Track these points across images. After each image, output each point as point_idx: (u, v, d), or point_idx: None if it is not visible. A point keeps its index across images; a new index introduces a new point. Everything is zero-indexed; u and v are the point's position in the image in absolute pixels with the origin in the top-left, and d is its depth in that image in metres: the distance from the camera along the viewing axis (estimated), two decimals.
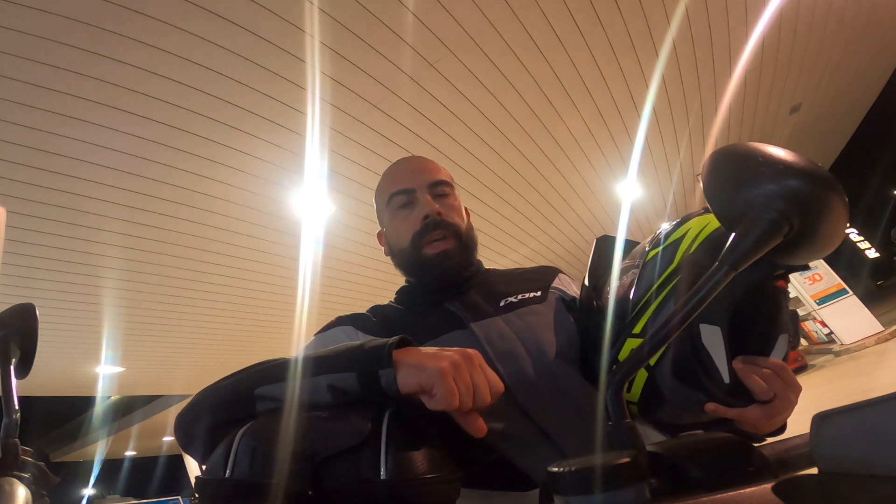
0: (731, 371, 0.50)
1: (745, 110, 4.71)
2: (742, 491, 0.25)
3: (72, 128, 2.44)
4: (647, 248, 0.60)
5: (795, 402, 0.53)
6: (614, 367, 0.60)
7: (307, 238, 3.90)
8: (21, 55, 2.04)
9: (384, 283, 4.94)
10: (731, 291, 0.49)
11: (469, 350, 0.47)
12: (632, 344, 0.57)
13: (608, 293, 0.65)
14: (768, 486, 0.25)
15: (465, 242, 0.79)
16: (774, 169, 0.35)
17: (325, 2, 2.24)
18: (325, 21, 2.32)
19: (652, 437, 0.59)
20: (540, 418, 0.62)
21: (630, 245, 0.69)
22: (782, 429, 0.56)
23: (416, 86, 2.87)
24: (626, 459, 0.29)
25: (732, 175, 0.37)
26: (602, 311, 0.64)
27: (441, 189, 0.81)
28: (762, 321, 0.54)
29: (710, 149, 4.83)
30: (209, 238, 3.61)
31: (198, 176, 3.02)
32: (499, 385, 0.47)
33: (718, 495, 0.25)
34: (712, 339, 0.50)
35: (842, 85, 5.62)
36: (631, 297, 0.58)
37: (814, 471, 0.27)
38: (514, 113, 3.35)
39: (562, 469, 0.30)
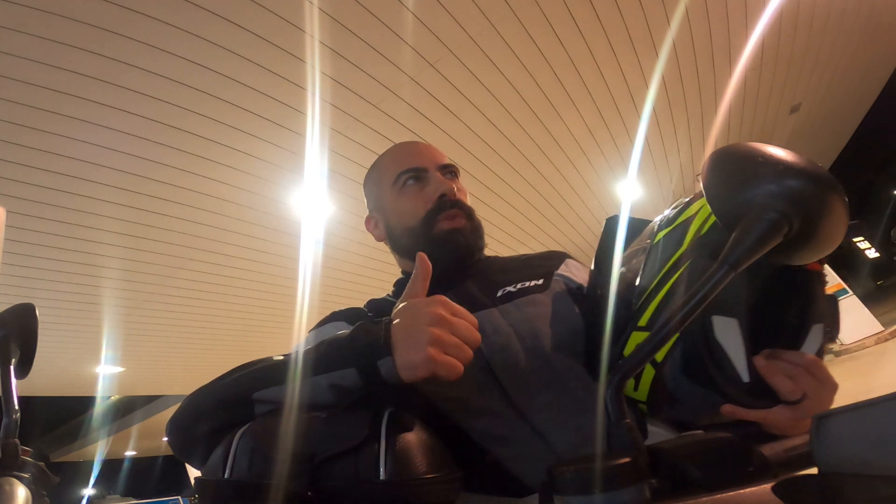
0: (752, 368, 0.44)
1: (745, 110, 4.70)
2: (742, 491, 0.25)
3: (71, 128, 2.44)
4: (655, 229, 0.54)
5: (830, 402, 0.46)
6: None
7: (307, 238, 3.90)
8: (21, 55, 2.04)
9: (384, 283, 4.93)
10: (753, 277, 0.44)
11: (439, 307, 0.48)
12: (637, 338, 0.51)
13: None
14: (768, 486, 0.25)
15: (476, 224, 0.79)
16: (774, 169, 0.34)
17: (325, 2, 2.24)
18: (325, 21, 2.31)
19: (661, 437, 0.56)
20: (536, 419, 0.59)
21: (643, 224, 0.62)
22: None
23: (416, 86, 2.87)
24: (626, 459, 0.29)
25: (732, 175, 0.37)
26: (608, 300, 0.58)
27: (452, 170, 0.81)
28: (793, 309, 0.47)
29: (710, 149, 4.82)
30: (209, 238, 3.60)
31: (197, 176, 3.02)
32: (471, 320, 0.49)
33: (718, 495, 0.25)
34: (728, 332, 0.44)
35: (842, 85, 5.61)
36: (637, 284, 0.53)
37: (814, 471, 0.27)
38: (514, 112, 3.35)
39: (561, 469, 0.30)
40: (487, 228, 0.82)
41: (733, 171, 0.37)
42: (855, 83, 5.89)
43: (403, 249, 0.80)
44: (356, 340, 0.49)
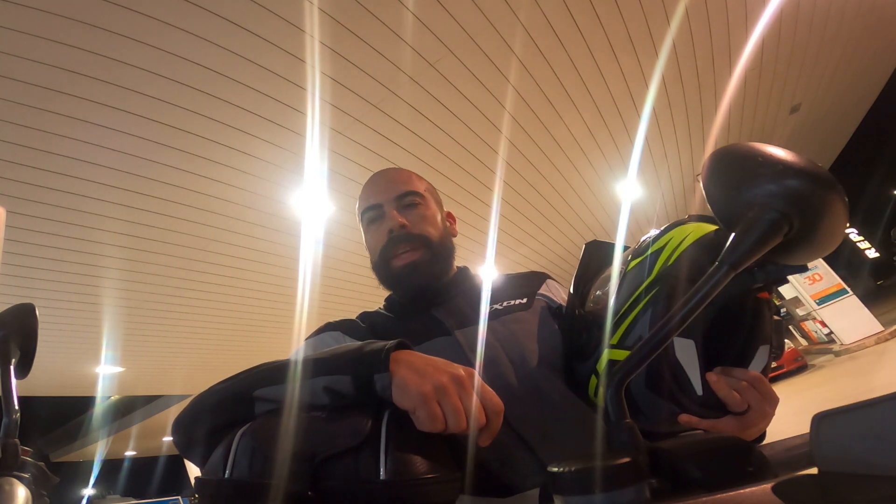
0: (705, 383, 0.51)
1: (745, 110, 4.71)
2: (742, 491, 0.25)
3: (72, 128, 2.44)
4: (629, 258, 0.59)
5: (772, 414, 0.52)
6: (593, 376, 0.61)
7: (307, 238, 3.90)
8: (21, 55, 2.04)
9: None
10: (710, 303, 0.49)
11: (463, 372, 0.46)
12: (609, 354, 0.56)
13: (592, 301, 0.65)
14: (768, 486, 0.25)
15: (435, 251, 0.79)
16: (774, 169, 0.34)
17: (325, 2, 2.24)
18: (325, 21, 2.32)
19: None
20: (520, 426, 0.62)
21: (614, 249, 0.69)
22: (760, 439, 0.56)
23: (416, 86, 2.87)
24: (626, 459, 0.29)
25: (732, 175, 0.37)
26: (584, 319, 0.64)
27: (410, 200, 0.81)
28: (743, 332, 0.54)
29: (710, 149, 4.83)
30: (209, 238, 3.60)
31: (198, 176, 3.02)
32: (497, 404, 0.46)
33: (718, 495, 0.25)
34: (686, 352, 0.51)
35: (842, 85, 5.61)
36: (610, 306, 0.58)
37: (814, 471, 0.27)
38: (514, 113, 3.35)
39: (562, 469, 0.30)
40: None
41: (733, 171, 0.37)
42: (855, 83, 5.89)
43: (378, 279, 0.84)
44: (361, 350, 0.49)
